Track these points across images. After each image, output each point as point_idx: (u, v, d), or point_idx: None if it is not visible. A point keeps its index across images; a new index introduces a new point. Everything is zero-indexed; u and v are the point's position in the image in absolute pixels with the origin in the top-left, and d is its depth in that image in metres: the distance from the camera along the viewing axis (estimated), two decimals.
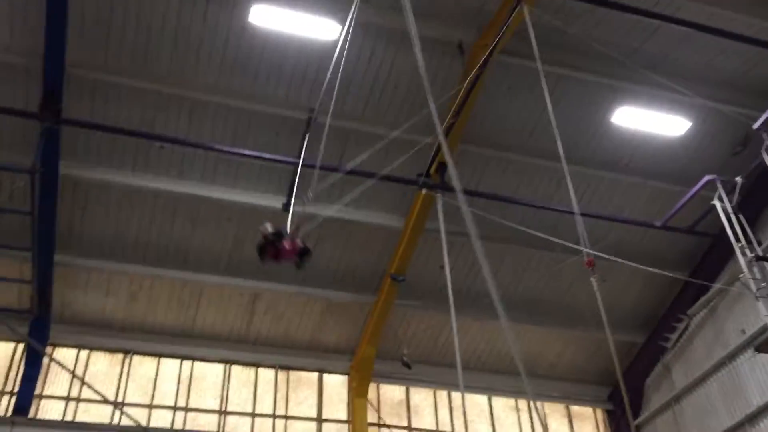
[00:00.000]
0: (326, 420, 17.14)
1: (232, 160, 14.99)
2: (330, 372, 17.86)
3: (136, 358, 16.48)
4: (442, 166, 15.21)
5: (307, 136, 14.26)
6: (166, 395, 16.27)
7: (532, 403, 19.11)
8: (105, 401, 14.93)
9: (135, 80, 13.89)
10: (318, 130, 14.38)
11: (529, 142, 15.76)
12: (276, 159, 14.76)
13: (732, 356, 16.24)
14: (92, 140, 14.34)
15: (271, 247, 10.61)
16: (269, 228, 10.65)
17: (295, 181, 15.14)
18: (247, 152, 14.60)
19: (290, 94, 14.64)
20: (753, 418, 15.42)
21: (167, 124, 14.41)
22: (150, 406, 15.89)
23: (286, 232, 10.98)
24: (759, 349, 12.72)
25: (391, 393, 18.18)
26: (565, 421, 19.33)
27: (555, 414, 19.37)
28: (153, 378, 16.38)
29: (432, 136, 13.37)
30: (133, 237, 15.62)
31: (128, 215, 15.38)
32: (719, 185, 14.13)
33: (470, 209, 13.62)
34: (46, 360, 15.34)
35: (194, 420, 16.16)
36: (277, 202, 15.54)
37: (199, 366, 16.91)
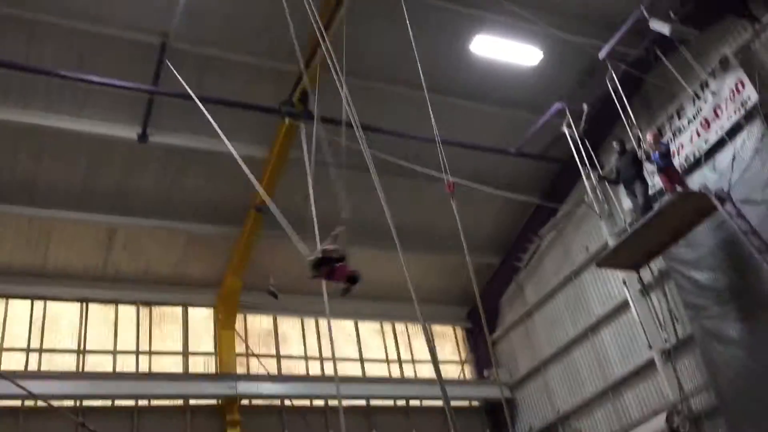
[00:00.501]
0: (192, 353, 16.98)
1: (79, 87, 13.98)
2: (195, 305, 17.61)
3: None
4: (305, 95, 15.02)
5: (163, 61, 13.59)
6: (17, 338, 15.43)
7: (395, 325, 19.97)
8: None
9: None
10: (173, 56, 13.74)
11: (392, 71, 15.81)
12: (128, 86, 13.96)
13: (577, 272, 17.59)
14: None
15: (326, 266, 10.15)
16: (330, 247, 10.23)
17: (150, 110, 14.51)
18: (96, 79, 13.66)
19: (142, 16, 13.72)
20: (595, 327, 16.92)
21: (3, 48, 13.13)
22: (0, 349, 15.01)
23: (339, 253, 10.47)
24: (600, 264, 13.79)
25: (258, 323, 18.24)
26: None
27: (418, 334, 20.25)
28: (1, 320, 15.43)
29: (294, 63, 13.11)
30: None
31: None
32: (568, 113, 14.93)
33: (334, 138, 13.66)
34: None
35: (50, 361, 15.49)
36: (131, 133, 14.87)
37: (54, 306, 16.12)
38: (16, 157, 14.54)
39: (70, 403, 14.41)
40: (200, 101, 13.85)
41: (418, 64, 11.78)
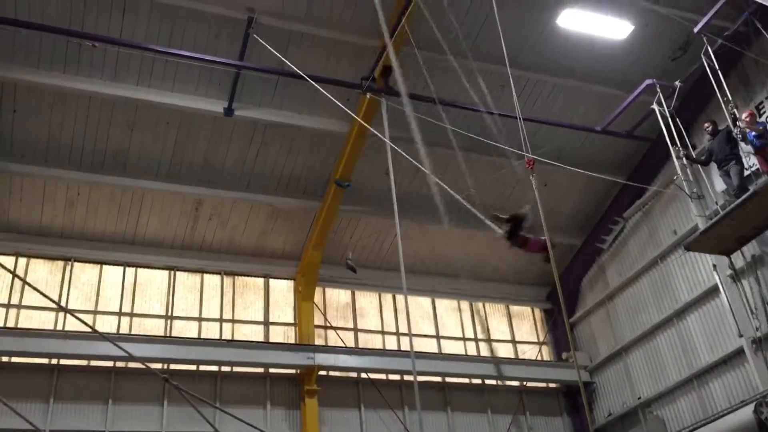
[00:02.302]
0: (273, 323, 17.43)
1: (170, 61, 14.43)
2: (276, 277, 18.03)
3: (78, 266, 16.27)
4: (387, 70, 15.02)
5: (249, 37, 13.85)
6: (110, 301, 16.22)
7: (473, 303, 19.87)
8: (57, 306, 14.86)
9: None
10: (259, 31, 13.97)
11: (474, 46, 15.56)
12: (216, 60, 14.32)
13: (663, 256, 16.99)
14: (18, 39, 13.56)
15: (520, 234, 10.78)
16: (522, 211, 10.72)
17: (236, 84, 14.85)
18: (185, 53, 14.08)
19: None
20: (681, 312, 16.32)
21: (98, 23, 13.70)
22: (95, 312, 15.84)
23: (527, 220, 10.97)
24: (688, 248, 13.28)
25: (336, 297, 18.52)
26: (505, 320, 20.11)
27: (495, 314, 20.13)
28: (96, 285, 16.26)
29: (376, 38, 13.13)
30: (67, 142, 15.10)
31: (61, 119, 14.80)
32: (658, 89, 14.35)
33: (415, 114, 13.63)
34: None
35: (140, 325, 16.23)
36: (218, 107, 15.30)
37: (144, 272, 16.83)
38: (110, 129, 15.17)
39: (158, 366, 15.05)
40: (284, 76, 14.13)
41: (502, 39, 11.56)
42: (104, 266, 16.53)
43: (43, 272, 15.93)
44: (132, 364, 15.12)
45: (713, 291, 15.10)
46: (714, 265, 14.26)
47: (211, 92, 15.19)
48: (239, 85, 14.90)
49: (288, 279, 18.07)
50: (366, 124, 15.03)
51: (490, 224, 11.36)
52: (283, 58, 13.24)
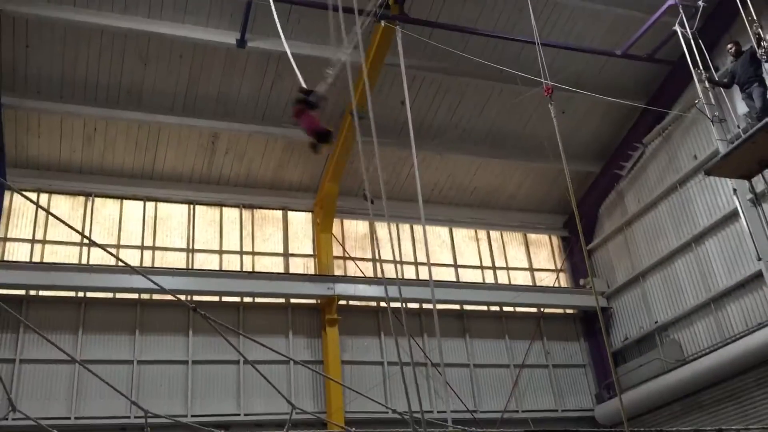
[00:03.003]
0: (293, 255, 17.65)
1: None
2: (294, 210, 18.16)
3: (99, 201, 16.47)
4: None
5: None
6: (132, 235, 16.46)
7: (490, 232, 19.93)
8: (81, 239, 15.10)
9: None
10: None
11: None
12: None
13: (683, 181, 16.86)
14: None
15: (301, 106, 10.42)
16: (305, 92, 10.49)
17: (248, 13, 14.60)
18: None
19: None
20: (699, 237, 16.31)
21: None
22: (117, 246, 16.09)
23: (317, 99, 10.66)
24: (708, 172, 13.09)
25: (354, 228, 18.65)
26: (522, 248, 20.21)
27: (513, 242, 20.21)
28: (117, 219, 16.48)
29: None
30: (81, 77, 15.05)
31: (75, 54, 14.72)
32: (681, 10, 13.90)
33: (431, 41, 13.37)
34: (6, 203, 15.24)
35: (162, 258, 16.51)
36: (230, 38, 15.09)
37: (163, 207, 17.01)
38: (123, 63, 15.08)
39: (182, 297, 15.32)
40: (296, 5, 13.85)
41: None
42: (125, 201, 16.72)
43: (64, 208, 16.14)
44: (156, 296, 15.47)
45: (733, 215, 15.05)
46: (734, 189, 14.14)
47: (223, 23, 14.97)
48: (251, 16, 14.65)
49: (306, 211, 18.20)
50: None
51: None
52: None
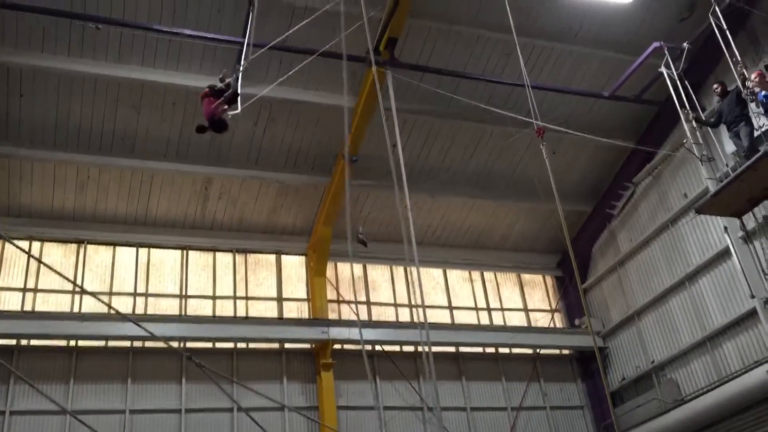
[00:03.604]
0: (286, 299, 17.56)
1: (174, 41, 14.40)
2: (288, 253, 18.12)
3: (91, 248, 16.40)
4: (392, 42, 14.92)
5: (252, 12, 13.74)
6: (124, 282, 16.37)
7: (484, 273, 19.92)
8: (73, 287, 15.01)
9: None
10: (262, 5, 13.85)
11: (479, 14, 15.44)
12: (219, 38, 14.28)
13: (674, 219, 16.96)
14: (22, 23, 13.54)
15: (209, 91, 10.90)
16: (222, 80, 10.67)
17: (240, 60, 14.73)
18: (188, 32, 14.03)
19: None
20: (692, 276, 16.33)
21: (101, 4, 13.64)
22: (110, 293, 15.98)
23: (227, 95, 10.99)
24: (699, 211, 13.21)
25: (348, 270, 18.59)
26: (517, 289, 20.18)
27: (507, 283, 20.18)
28: (110, 266, 16.39)
29: (378, 8, 13.02)
30: (75, 125, 15.14)
31: (68, 103, 14.82)
32: (666, 52, 14.19)
33: (422, 85, 13.54)
34: None
35: (155, 305, 16.38)
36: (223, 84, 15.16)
37: (156, 252, 16.95)
38: (116, 111, 15.18)
39: (174, 344, 15.20)
40: (287, 51, 14.05)
41: (507, 6, 11.45)
42: (117, 247, 16.66)
43: (57, 255, 16.07)
44: (149, 344, 15.31)
45: (725, 253, 15.10)
46: (725, 228, 14.24)
47: (216, 70, 15.06)
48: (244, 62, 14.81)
49: (299, 255, 18.17)
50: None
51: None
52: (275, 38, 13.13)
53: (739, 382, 14.31)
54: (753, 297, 13.75)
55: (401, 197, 10.88)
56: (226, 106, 10.98)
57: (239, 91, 11.35)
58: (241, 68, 11.57)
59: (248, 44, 11.77)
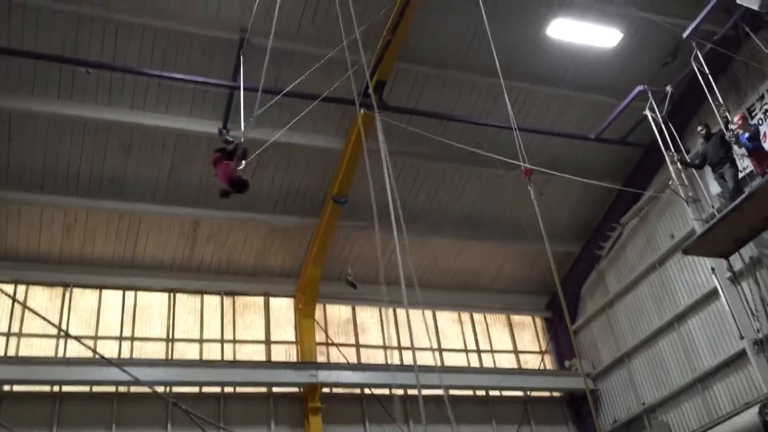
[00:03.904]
0: (274, 342, 17.38)
1: (163, 84, 14.53)
2: (276, 295, 18.00)
3: (77, 291, 16.24)
4: (381, 85, 15.09)
5: (242, 57, 13.91)
6: (110, 326, 16.17)
7: (473, 315, 19.85)
8: (58, 332, 14.84)
9: (54, 1, 13.12)
10: (251, 51, 14.04)
11: (466, 58, 15.69)
12: (209, 82, 14.41)
13: (662, 260, 17.03)
14: (11, 67, 13.61)
15: (220, 155, 10.80)
16: (228, 137, 10.65)
17: (230, 105, 14.89)
18: (178, 76, 14.16)
19: (220, 13, 14.11)
20: (681, 317, 16.34)
21: (91, 49, 13.77)
22: (95, 338, 15.77)
23: (239, 154, 11.00)
24: (686, 251, 13.29)
25: (337, 312, 18.49)
26: (506, 330, 20.09)
27: (496, 324, 20.10)
28: (96, 310, 16.21)
29: (368, 54, 13.21)
30: (63, 168, 15.12)
31: (57, 146, 14.83)
32: (650, 95, 14.43)
33: (410, 128, 13.66)
34: None
35: (141, 349, 16.17)
36: (212, 128, 15.27)
37: (143, 296, 16.79)
38: (105, 154, 15.19)
39: (160, 389, 14.98)
40: (277, 95, 14.17)
41: (493, 51, 11.63)
42: (104, 291, 16.50)
43: (42, 299, 15.88)
44: (135, 389, 15.05)
45: (713, 294, 15.13)
46: (713, 268, 14.28)
47: (206, 113, 15.23)
48: (233, 105, 14.94)
49: (288, 297, 18.05)
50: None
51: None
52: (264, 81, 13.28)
53: (729, 424, 14.20)
54: (742, 338, 13.72)
55: (385, 239, 10.86)
56: (241, 165, 10.99)
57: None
58: (249, 124, 11.57)
59: (259, 92, 11.80)
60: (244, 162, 11.29)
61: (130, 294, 16.66)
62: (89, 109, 14.45)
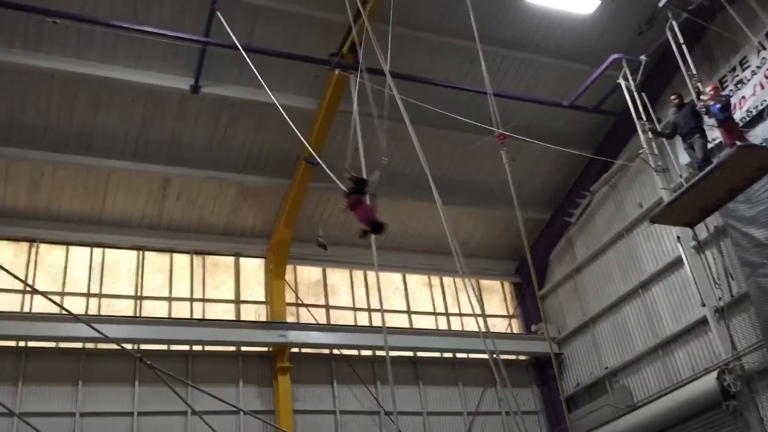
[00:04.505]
0: (244, 302, 17.38)
1: (134, 38, 14.16)
2: (246, 255, 17.95)
3: (44, 247, 16.01)
4: (356, 46, 14.91)
5: (215, 12, 13.63)
6: (78, 283, 16.01)
7: (443, 279, 20.03)
8: (24, 286, 14.66)
9: None
10: (225, 6, 13.76)
11: (444, 21, 15.56)
12: (181, 37, 14.08)
13: (629, 228, 17.28)
14: None
15: (355, 194, 10.56)
16: (352, 173, 10.54)
17: (202, 61, 14.64)
18: (149, 29, 13.82)
19: None
20: (646, 284, 16.66)
21: None
22: (62, 294, 15.62)
23: (370, 185, 10.90)
24: (653, 220, 13.48)
25: (308, 274, 18.52)
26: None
27: (465, 288, 20.25)
28: (63, 266, 16.03)
29: (345, 13, 13.02)
30: (30, 121, 14.78)
31: (23, 98, 14.48)
32: (624, 64, 14.49)
33: (385, 90, 13.58)
34: None
35: (109, 306, 16.07)
36: (184, 84, 15.07)
37: (112, 253, 16.63)
38: (73, 107, 14.88)
39: (128, 347, 14.91)
40: (250, 52, 13.95)
41: (471, 14, 11.56)
42: (71, 247, 16.30)
43: (7, 254, 15.65)
44: (102, 345, 15.01)
45: (677, 262, 15.42)
46: (678, 237, 14.54)
47: (177, 69, 14.96)
48: (205, 62, 14.70)
49: (258, 257, 18.01)
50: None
51: (336, 180, 11.29)
52: (236, 39, 12.98)
53: (689, 388, 14.62)
54: (704, 305, 14.06)
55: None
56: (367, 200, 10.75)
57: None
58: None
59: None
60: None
61: (98, 251, 16.48)
62: (57, 61, 14.08)
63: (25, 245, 15.87)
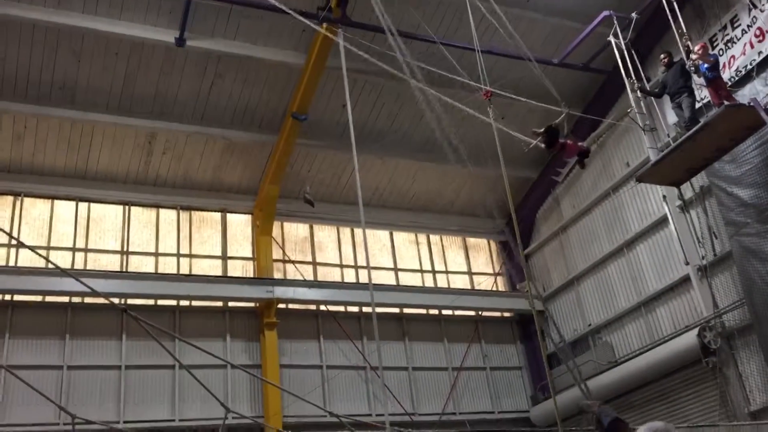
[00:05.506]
0: (231, 257, 17.40)
1: None
2: (233, 212, 17.92)
3: (28, 201, 15.90)
4: (344, 0, 14.69)
5: None
6: (63, 237, 15.96)
7: (430, 236, 20.11)
8: (9, 239, 14.60)
9: None
10: None
11: None
12: None
13: (616, 187, 17.36)
14: None
15: (556, 140, 12.12)
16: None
17: (187, 12, 14.37)
18: None
19: None
20: (631, 243, 16.81)
21: None
22: (48, 248, 15.57)
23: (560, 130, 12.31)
24: (640, 179, 13.51)
25: (295, 231, 18.53)
26: (462, 252, 20.45)
27: (452, 246, 20.43)
28: (48, 220, 15.94)
29: None
30: (11, 73, 14.53)
31: (4, 49, 14.20)
32: (615, 21, 14.33)
33: (372, 45, 13.41)
34: None
35: (96, 261, 16.05)
36: (169, 36, 14.81)
37: (97, 207, 16.54)
38: (55, 59, 14.61)
39: (115, 301, 14.94)
40: (236, 5, 13.71)
41: None
42: (56, 201, 16.20)
43: None
44: (88, 299, 15.03)
45: (663, 221, 15.55)
46: (664, 196, 14.65)
47: (162, 21, 14.68)
48: (191, 14, 14.41)
49: (245, 213, 17.98)
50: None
51: (524, 138, 12.75)
52: None
53: (669, 345, 14.89)
54: (687, 264, 14.24)
55: (344, 158, 10.85)
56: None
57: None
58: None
59: None
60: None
61: (83, 205, 16.38)
62: (38, 11, 13.78)
63: (9, 198, 15.75)
